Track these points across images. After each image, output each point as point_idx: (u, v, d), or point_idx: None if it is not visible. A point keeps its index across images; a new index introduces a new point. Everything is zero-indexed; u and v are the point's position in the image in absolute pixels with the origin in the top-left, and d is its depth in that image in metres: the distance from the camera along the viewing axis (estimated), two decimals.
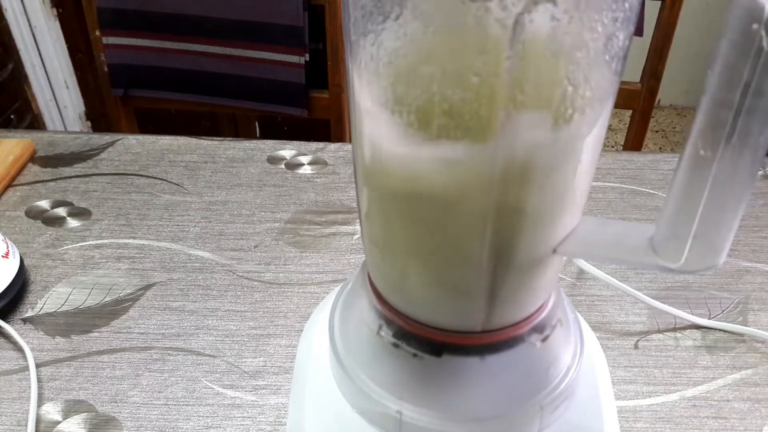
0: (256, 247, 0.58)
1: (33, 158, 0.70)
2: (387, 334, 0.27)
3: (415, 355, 0.26)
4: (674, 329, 0.50)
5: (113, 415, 0.44)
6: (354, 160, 0.25)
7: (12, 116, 1.45)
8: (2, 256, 0.51)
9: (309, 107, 1.00)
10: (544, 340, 0.27)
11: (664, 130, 2.35)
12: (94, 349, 0.48)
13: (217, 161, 0.70)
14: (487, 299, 0.24)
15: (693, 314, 0.51)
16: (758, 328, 0.49)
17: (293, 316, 0.51)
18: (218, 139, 0.73)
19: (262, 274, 0.55)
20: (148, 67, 1.01)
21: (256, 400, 0.45)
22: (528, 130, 0.20)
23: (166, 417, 0.43)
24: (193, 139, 0.73)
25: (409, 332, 0.26)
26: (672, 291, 0.53)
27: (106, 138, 0.73)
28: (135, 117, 1.09)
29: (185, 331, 0.50)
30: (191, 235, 0.59)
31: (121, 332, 0.50)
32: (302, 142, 0.73)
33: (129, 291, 0.53)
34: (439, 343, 0.26)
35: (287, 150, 0.72)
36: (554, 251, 0.24)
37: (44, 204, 0.63)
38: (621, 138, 2.17)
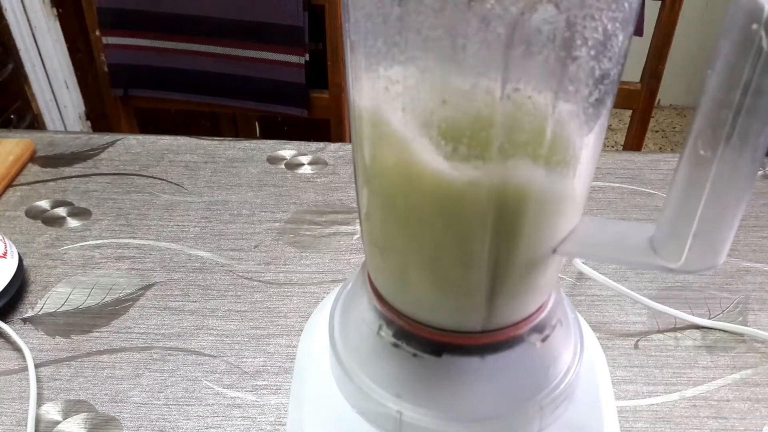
0: (256, 247, 0.58)
1: (33, 158, 0.70)
2: (387, 334, 0.27)
3: (415, 355, 0.26)
4: (674, 329, 0.50)
5: (113, 415, 0.44)
6: (354, 160, 0.25)
7: (12, 116, 1.45)
8: (0, 256, 0.51)
9: (309, 107, 1.00)
10: (544, 340, 0.27)
11: (664, 130, 2.35)
12: (94, 349, 0.48)
13: (217, 161, 0.70)
14: (487, 299, 0.24)
15: (693, 314, 0.51)
16: (758, 328, 0.49)
17: (293, 316, 0.51)
18: (218, 139, 0.73)
19: (262, 274, 0.55)
20: (148, 67, 1.01)
21: (256, 400, 0.45)
22: (527, 131, 0.20)
23: (166, 417, 0.43)
24: (193, 139, 0.73)
25: (409, 332, 0.26)
26: (672, 291, 0.53)
27: (106, 138, 0.73)
28: (135, 117, 1.09)
29: (185, 331, 0.50)
30: (191, 235, 0.59)
31: (121, 332, 0.50)
32: (302, 142, 0.73)
33: (129, 291, 0.53)
34: (439, 343, 0.26)
35: (287, 150, 0.71)
36: (554, 251, 0.24)
37: (44, 204, 0.63)
38: (621, 138, 2.17)
